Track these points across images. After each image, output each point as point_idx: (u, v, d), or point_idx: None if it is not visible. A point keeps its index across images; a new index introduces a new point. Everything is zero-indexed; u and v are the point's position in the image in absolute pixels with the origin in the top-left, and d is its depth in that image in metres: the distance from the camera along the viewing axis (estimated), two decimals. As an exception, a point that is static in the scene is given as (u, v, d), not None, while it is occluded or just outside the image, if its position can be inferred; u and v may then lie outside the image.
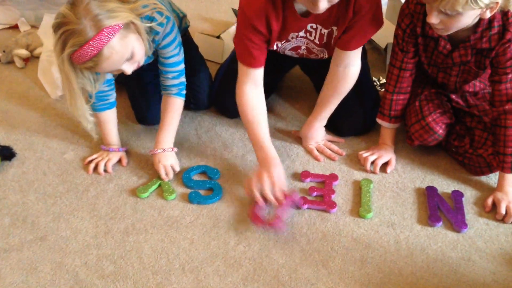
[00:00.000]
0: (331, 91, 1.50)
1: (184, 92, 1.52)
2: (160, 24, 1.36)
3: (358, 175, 1.48)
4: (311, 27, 1.41)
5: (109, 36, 1.20)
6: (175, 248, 1.28)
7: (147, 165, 1.53)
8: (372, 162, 1.50)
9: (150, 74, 1.60)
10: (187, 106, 1.69)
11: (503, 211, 1.33)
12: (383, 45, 1.86)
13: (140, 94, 1.66)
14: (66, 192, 1.45)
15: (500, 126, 1.34)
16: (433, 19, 1.19)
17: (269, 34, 1.39)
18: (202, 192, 1.44)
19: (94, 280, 1.21)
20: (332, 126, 1.60)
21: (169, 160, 1.49)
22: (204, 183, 1.46)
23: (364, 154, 1.52)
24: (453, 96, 1.48)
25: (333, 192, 1.41)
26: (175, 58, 1.46)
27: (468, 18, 1.18)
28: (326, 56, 1.51)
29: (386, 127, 1.53)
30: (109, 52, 1.22)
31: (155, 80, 1.56)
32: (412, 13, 1.34)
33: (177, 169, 1.49)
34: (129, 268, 1.23)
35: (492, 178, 1.46)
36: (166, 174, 1.47)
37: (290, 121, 1.69)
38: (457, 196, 1.39)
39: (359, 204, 1.38)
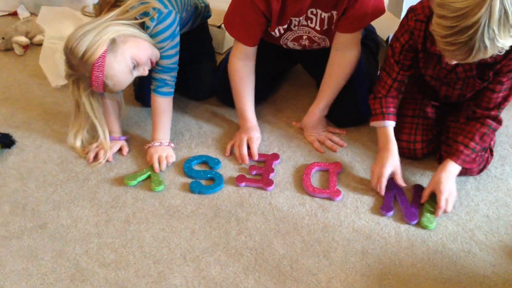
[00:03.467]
0: (332, 77, 1.50)
1: (163, 90, 1.50)
2: (151, 19, 1.38)
3: (359, 167, 1.48)
4: (311, 12, 1.41)
5: (101, 66, 1.32)
6: (176, 237, 1.28)
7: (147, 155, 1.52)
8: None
9: None
10: (187, 94, 1.69)
11: (443, 204, 1.30)
12: (385, 37, 1.86)
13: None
14: (67, 180, 1.45)
15: (477, 121, 1.34)
16: (453, 62, 1.17)
17: (269, 14, 1.38)
18: (203, 182, 1.43)
19: (95, 269, 1.20)
20: (327, 117, 1.60)
21: (164, 152, 1.49)
22: (205, 173, 1.46)
23: (373, 170, 1.41)
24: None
25: (272, 170, 1.44)
26: (160, 50, 1.44)
27: None
28: (328, 45, 1.51)
29: (381, 127, 1.44)
30: (112, 73, 1.34)
31: None
32: (412, 30, 1.32)
33: (171, 160, 1.49)
34: (130, 257, 1.23)
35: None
36: (159, 165, 1.47)
37: (291, 113, 1.68)
38: (417, 190, 1.38)
39: (364, 197, 1.38)
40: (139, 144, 1.57)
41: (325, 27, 1.45)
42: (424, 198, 1.35)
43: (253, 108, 1.53)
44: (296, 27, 1.45)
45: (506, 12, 1.00)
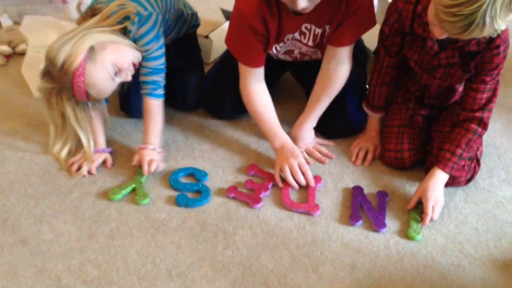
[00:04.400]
0: (322, 90, 1.49)
1: (158, 92, 1.47)
2: (132, 23, 1.37)
3: (348, 179, 1.47)
4: (306, 28, 1.40)
5: (81, 75, 1.31)
6: (162, 252, 1.25)
7: (133, 167, 1.49)
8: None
9: None
10: (174, 105, 1.66)
11: (429, 211, 1.30)
12: (372, 48, 1.85)
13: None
14: (49, 194, 1.41)
15: (462, 127, 1.34)
16: (443, 36, 1.17)
17: (268, 34, 1.38)
18: (189, 194, 1.41)
19: (78, 286, 1.17)
20: (317, 128, 1.59)
21: (156, 158, 1.46)
22: (191, 185, 1.43)
23: (353, 148, 1.55)
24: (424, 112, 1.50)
25: (266, 189, 1.41)
26: (147, 53, 1.43)
27: None
28: (319, 57, 1.50)
29: (370, 115, 1.54)
30: (93, 81, 1.33)
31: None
32: (400, 11, 1.32)
33: (161, 169, 1.45)
34: (114, 273, 1.20)
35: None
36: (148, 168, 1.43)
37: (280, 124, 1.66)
38: (381, 196, 1.38)
39: (347, 210, 1.36)
40: (123, 156, 1.53)
41: (318, 41, 1.44)
42: (411, 205, 1.35)
43: (280, 126, 1.49)
44: (289, 41, 1.44)
45: None
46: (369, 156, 1.52)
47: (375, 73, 1.48)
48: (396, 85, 1.54)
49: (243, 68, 1.44)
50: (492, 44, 1.24)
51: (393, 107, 1.53)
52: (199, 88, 1.65)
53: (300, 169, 1.42)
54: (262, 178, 1.46)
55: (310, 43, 1.45)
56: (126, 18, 1.37)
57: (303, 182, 1.41)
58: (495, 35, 1.15)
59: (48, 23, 1.99)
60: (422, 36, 1.32)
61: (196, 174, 1.47)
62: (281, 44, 1.46)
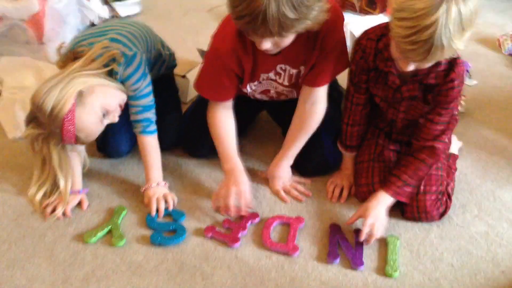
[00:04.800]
0: (298, 129, 1.51)
1: (151, 128, 1.49)
2: (118, 64, 1.39)
3: (326, 217, 1.48)
4: (281, 68, 1.43)
5: (71, 120, 1.31)
6: (138, 295, 1.23)
7: (109, 208, 1.48)
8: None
9: None
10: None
11: (366, 228, 1.34)
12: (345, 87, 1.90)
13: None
14: (22, 237, 1.38)
15: (415, 157, 1.39)
16: (410, 68, 1.23)
17: (242, 73, 1.40)
18: (165, 233, 1.40)
19: (51, 333, 1.14)
20: (293, 166, 1.60)
21: (163, 193, 1.48)
22: (167, 224, 1.43)
23: (329, 185, 1.57)
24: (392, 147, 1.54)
25: (244, 229, 1.41)
26: (136, 91, 1.44)
27: None
28: (295, 96, 1.53)
29: (345, 154, 1.57)
30: (83, 125, 1.33)
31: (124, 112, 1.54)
32: (364, 48, 1.38)
33: (175, 200, 1.49)
34: (89, 318, 1.17)
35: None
36: (158, 210, 1.45)
37: (256, 162, 1.67)
38: (359, 234, 1.39)
39: (325, 248, 1.37)
40: (99, 197, 1.52)
41: (293, 81, 1.47)
42: (348, 222, 1.41)
43: (236, 152, 1.50)
44: (265, 81, 1.47)
45: (460, 13, 1.09)
46: (345, 193, 1.54)
47: (345, 111, 1.52)
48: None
49: (211, 101, 1.48)
50: (448, 78, 1.30)
51: (363, 143, 1.56)
52: (177, 127, 1.66)
53: (239, 199, 1.42)
54: (240, 217, 1.46)
55: (286, 83, 1.49)
56: (112, 60, 1.38)
57: (232, 212, 1.42)
58: (456, 55, 1.21)
59: (25, 64, 2.00)
60: (384, 71, 1.37)
61: (173, 214, 1.46)
62: (256, 83, 1.49)
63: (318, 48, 1.37)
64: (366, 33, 1.38)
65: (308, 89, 1.46)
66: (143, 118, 1.47)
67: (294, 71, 1.44)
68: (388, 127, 1.53)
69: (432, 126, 1.37)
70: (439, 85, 1.32)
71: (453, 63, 1.30)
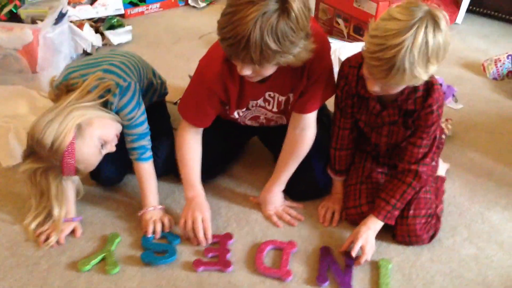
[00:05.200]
0: (289, 154, 1.53)
1: (147, 155, 1.52)
2: (113, 95, 1.41)
3: (317, 240, 1.49)
4: (269, 95, 1.46)
5: (71, 153, 1.33)
6: (133, 323, 1.23)
7: (102, 235, 1.48)
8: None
9: None
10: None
11: (356, 248, 1.38)
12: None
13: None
14: (16, 265, 1.38)
15: (399, 179, 1.43)
16: (375, 88, 1.28)
17: (227, 100, 1.42)
18: (155, 253, 1.41)
19: None
20: (284, 191, 1.62)
21: (160, 215, 1.51)
22: (160, 245, 1.44)
23: (320, 209, 1.59)
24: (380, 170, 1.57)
25: (228, 251, 1.43)
26: (131, 121, 1.47)
27: (404, 86, 1.28)
28: (285, 122, 1.56)
29: (334, 178, 1.60)
30: (83, 157, 1.36)
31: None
32: (346, 75, 1.43)
33: (172, 222, 1.51)
34: None
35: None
36: (154, 231, 1.47)
37: (248, 188, 1.69)
38: (348, 257, 1.41)
39: (316, 272, 1.38)
40: (93, 225, 1.53)
41: (282, 107, 1.50)
42: (343, 248, 1.43)
43: (200, 179, 1.53)
44: (254, 108, 1.50)
45: (427, 43, 1.14)
46: (336, 216, 1.56)
47: (333, 136, 1.55)
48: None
49: (185, 123, 1.50)
50: (426, 103, 1.34)
51: (352, 167, 1.59)
52: (170, 154, 1.68)
53: (204, 229, 1.45)
54: (215, 242, 1.47)
55: (275, 109, 1.52)
56: (107, 91, 1.41)
57: (201, 239, 1.44)
58: (419, 83, 1.24)
59: (18, 92, 2.01)
60: (365, 97, 1.42)
61: (168, 237, 1.47)
62: (244, 109, 1.51)
63: (305, 76, 1.40)
64: (348, 60, 1.43)
65: (297, 116, 1.49)
66: (138, 145, 1.50)
67: (282, 98, 1.48)
68: (374, 151, 1.57)
69: (415, 149, 1.41)
70: (417, 111, 1.36)
71: (430, 89, 1.34)
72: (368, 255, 1.38)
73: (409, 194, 1.42)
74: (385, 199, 1.42)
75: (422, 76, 1.19)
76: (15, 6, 2.34)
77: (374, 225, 1.42)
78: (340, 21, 2.62)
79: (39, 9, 2.36)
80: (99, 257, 1.40)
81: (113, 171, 1.62)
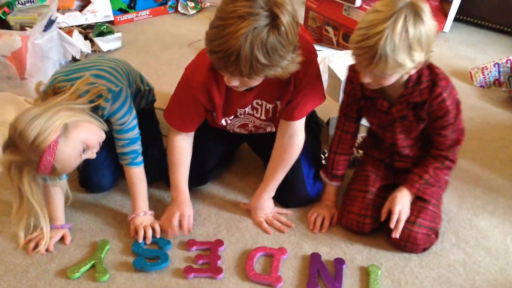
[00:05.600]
0: (278, 162, 1.54)
1: (138, 160, 1.52)
2: (106, 100, 1.41)
3: (307, 247, 1.50)
4: (257, 103, 1.47)
5: (52, 151, 1.29)
6: (123, 331, 1.22)
7: (92, 242, 1.48)
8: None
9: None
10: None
11: (396, 212, 1.42)
12: (325, 119, 1.95)
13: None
14: (4, 273, 1.37)
15: (432, 157, 1.47)
16: (366, 79, 1.31)
17: (213, 108, 1.43)
18: (147, 259, 1.41)
19: None
20: (273, 198, 1.62)
21: (148, 221, 1.51)
22: (152, 251, 1.44)
23: (310, 216, 1.59)
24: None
25: (219, 258, 1.43)
26: (123, 125, 1.47)
27: (397, 76, 1.30)
28: (274, 130, 1.57)
29: (328, 184, 1.62)
30: (62, 157, 1.32)
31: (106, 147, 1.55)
32: (351, 79, 1.47)
33: (158, 228, 1.50)
34: None
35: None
36: (145, 237, 1.47)
37: (239, 194, 1.70)
38: (337, 263, 1.42)
39: (306, 278, 1.38)
40: (83, 232, 1.52)
41: (270, 115, 1.51)
42: (383, 216, 1.46)
43: (187, 181, 1.56)
44: (242, 115, 1.51)
45: (407, 31, 1.19)
46: (326, 223, 1.57)
47: (334, 139, 1.58)
48: (365, 153, 1.65)
49: (172, 129, 1.53)
50: (434, 93, 1.36)
51: (361, 173, 1.59)
52: (160, 161, 1.67)
53: (181, 221, 1.49)
54: (205, 249, 1.48)
55: (263, 117, 1.53)
56: (98, 96, 1.40)
57: (174, 228, 1.48)
58: (408, 69, 1.27)
59: (6, 99, 2.00)
60: (372, 98, 1.45)
61: (159, 242, 1.47)
62: (232, 117, 1.52)
63: (292, 83, 1.41)
64: (353, 64, 1.46)
65: (285, 123, 1.49)
66: (130, 150, 1.50)
67: (270, 105, 1.49)
68: (389, 157, 1.57)
69: (441, 139, 1.44)
70: (427, 102, 1.38)
71: (435, 78, 1.36)
72: (403, 219, 1.42)
73: (442, 172, 1.46)
74: (418, 173, 1.46)
75: (407, 63, 1.23)
76: (4, 13, 2.33)
77: (407, 194, 1.46)
78: (329, 29, 2.64)
79: (28, 16, 2.35)
80: (89, 265, 1.39)
81: (103, 179, 1.62)
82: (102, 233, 1.52)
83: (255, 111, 1.50)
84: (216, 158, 1.70)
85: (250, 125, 1.56)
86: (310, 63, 1.40)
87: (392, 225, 1.42)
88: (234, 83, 1.26)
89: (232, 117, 1.52)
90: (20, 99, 2.00)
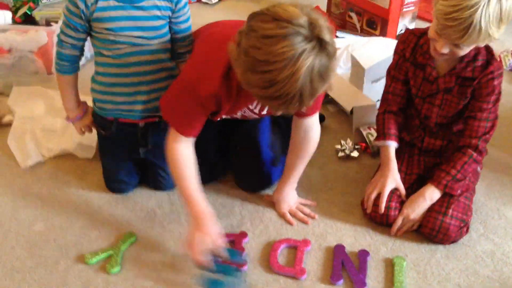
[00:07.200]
0: (295, 156, 1.53)
1: None
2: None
3: (331, 238, 1.50)
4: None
5: None
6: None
7: (119, 236, 1.51)
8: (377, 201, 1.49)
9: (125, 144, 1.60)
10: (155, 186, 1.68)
11: (398, 221, 1.45)
12: (349, 108, 1.93)
13: (111, 157, 1.64)
14: (35, 266, 1.41)
15: (460, 151, 1.45)
16: (445, 50, 1.31)
17: (219, 111, 1.37)
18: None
19: None
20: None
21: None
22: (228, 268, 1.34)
23: (368, 189, 1.54)
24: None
25: (243, 250, 1.43)
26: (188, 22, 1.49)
27: (472, 47, 1.33)
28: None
29: (383, 146, 1.56)
30: None
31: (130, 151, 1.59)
32: (405, 39, 1.50)
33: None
34: None
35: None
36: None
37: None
38: (362, 255, 1.41)
39: (330, 270, 1.39)
40: (110, 224, 1.55)
41: (264, 112, 1.47)
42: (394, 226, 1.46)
43: (202, 192, 1.39)
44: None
45: (500, 3, 1.21)
46: (382, 201, 1.48)
47: (382, 102, 1.58)
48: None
49: (175, 133, 1.36)
50: (487, 70, 1.38)
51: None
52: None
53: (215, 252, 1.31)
54: (230, 241, 1.44)
55: (256, 111, 1.47)
56: None
57: (208, 264, 1.30)
58: (488, 43, 1.30)
59: (37, 93, 2.04)
60: (422, 64, 1.46)
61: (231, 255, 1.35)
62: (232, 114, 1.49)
63: None
64: (411, 30, 1.52)
65: (298, 120, 1.47)
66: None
67: None
68: (418, 137, 1.56)
69: (475, 122, 1.43)
70: (477, 78, 1.39)
71: (491, 58, 1.39)
72: (407, 226, 1.44)
73: (470, 166, 1.44)
74: (445, 170, 1.44)
75: (495, 35, 1.25)
76: (30, 8, 2.37)
77: (431, 195, 1.44)
78: (353, 15, 2.60)
79: (53, 11, 2.39)
80: (105, 254, 1.42)
81: (126, 179, 1.65)
82: (130, 226, 1.54)
83: (250, 104, 1.44)
84: (221, 149, 1.69)
85: (239, 113, 1.49)
86: None
87: (394, 226, 1.42)
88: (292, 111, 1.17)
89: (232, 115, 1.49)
90: (50, 93, 2.03)
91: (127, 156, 1.61)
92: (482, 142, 1.44)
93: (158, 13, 1.41)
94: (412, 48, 1.48)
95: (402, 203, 1.49)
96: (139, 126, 1.56)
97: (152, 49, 1.45)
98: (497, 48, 2.40)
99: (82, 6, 1.37)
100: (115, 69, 1.47)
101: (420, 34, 1.47)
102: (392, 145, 1.54)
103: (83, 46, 1.49)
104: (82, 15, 1.38)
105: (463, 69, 1.41)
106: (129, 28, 1.40)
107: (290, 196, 1.59)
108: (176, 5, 1.43)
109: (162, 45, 1.47)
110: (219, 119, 1.46)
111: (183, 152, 1.37)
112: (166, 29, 1.46)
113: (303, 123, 1.47)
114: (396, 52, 1.54)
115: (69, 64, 1.50)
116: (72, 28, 1.42)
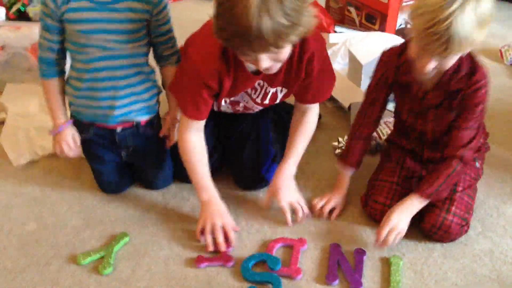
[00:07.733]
0: (295, 134, 1.55)
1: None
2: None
3: (327, 238, 1.47)
4: (258, 84, 1.44)
5: None
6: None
7: (111, 235, 1.49)
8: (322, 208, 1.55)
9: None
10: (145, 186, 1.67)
11: (382, 235, 1.37)
12: (346, 105, 1.91)
13: (96, 160, 1.62)
14: (27, 266, 1.39)
15: (444, 163, 1.40)
16: (431, 65, 1.26)
17: (220, 90, 1.41)
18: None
19: None
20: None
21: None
22: (261, 275, 1.35)
23: (317, 201, 1.56)
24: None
25: (229, 245, 1.42)
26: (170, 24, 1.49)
27: (456, 58, 1.28)
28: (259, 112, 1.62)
29: (342, 171, 1.58)
30: None
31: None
32: (386, 61, 1.45)
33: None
34: None
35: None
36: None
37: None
38: (358, 254, 1.40)
39: (326, 269, 1.37)
40: (103, 223, 1.53)
41: (266, 101, 1.49)
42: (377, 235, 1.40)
43: (211, 180, 1.50)
44: (239, 94, 1.48)
45: (474, 9, 1.16)
46: (335, 213, 1.54)
47: (355, 124, 1.55)
48: (391, 142, 1.61)
49: (185, 119, 1.44)
50: (471, 80, 1.34)
51: (387, 164, 1.56)
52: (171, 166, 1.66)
53: (226, 231, 1.43)
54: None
55: (258, 100, 1.49)
56: None
57: (222, 246, 1.40)
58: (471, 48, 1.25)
59: (30, 90, 2.02)
60: (406, 84, 1.42)
61: (268, 262, 1.38)
62: (233, 98, 1.50)
63: (303, 71, 1.39)
64: (387, 50, 1.47)
65: (302, 106, 1.53)
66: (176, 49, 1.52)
67: (271, 89, 1.46)
68: (418, 146, 1.54)
69: (459, 133, 1.39)
70: (463, 89, 1.35)
71: (474, 66, 1.34)
72: (391, 239, 1.36)
73: (454, 178, 1.41)
74: (428, 181, 1.40)
75: (480, 38, 1.20)
76: (23, 5, 2.35)
77: (412, 205, 1.40)
78: (351, 9, 2.57)
79: (47, 7, 2.36)
80: (98, 255, 1.40)
81: (117, 180, 1.63)
82: (123, 225, 1.53)
83: (253, 92, 1.47)
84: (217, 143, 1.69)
85: (241, 105, 1.51)
86: (320, 51, 1.40)
87: (378, 238, 1.38)
88: (265, 63, 1.21)
89: (232, 98, 1.50)
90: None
91: (111, 157, 1.59)
92: (468, 151, 1.39)
93: (132, 16, 1.38)
94: (394, 68, 1.42)
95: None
96: (116, 131, 1.53)
97: (126, 53, 1.42)
98: (498, 43, 2.40)
99: (52, 5, 1.34)
100: (86, 74, 1.43)
101: (401, 49, 1.42)
102: (350, 173, 1.57)
103: (62, 48, 1.45)
104: (53, 14, 1.35)
105: (447, 82, 1.36)
106: (101, 31, 1.36)
107: (289, 183, 1.53)
108: (155, 8, 1.40)
109: (138, 49, 1.44)
110: (222, 102, 1.49)
111: (193, 140, 1.46)
112: (143, 33, 1.42)
113: (302, 106, 1.52)
114: (374, 76, 1.49)
115: (48, 68, 1.46)
116: (46, 30, 1.39)
